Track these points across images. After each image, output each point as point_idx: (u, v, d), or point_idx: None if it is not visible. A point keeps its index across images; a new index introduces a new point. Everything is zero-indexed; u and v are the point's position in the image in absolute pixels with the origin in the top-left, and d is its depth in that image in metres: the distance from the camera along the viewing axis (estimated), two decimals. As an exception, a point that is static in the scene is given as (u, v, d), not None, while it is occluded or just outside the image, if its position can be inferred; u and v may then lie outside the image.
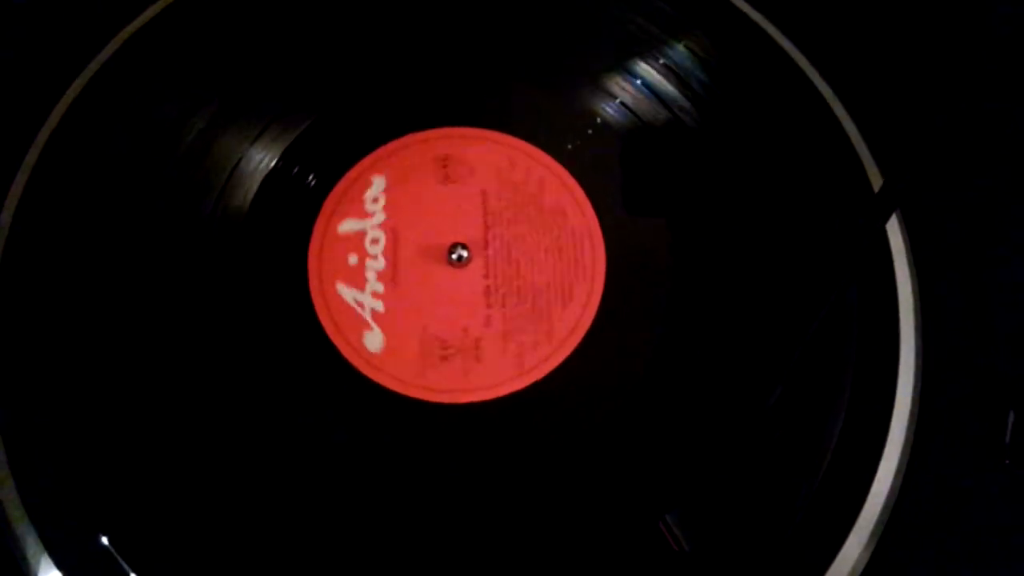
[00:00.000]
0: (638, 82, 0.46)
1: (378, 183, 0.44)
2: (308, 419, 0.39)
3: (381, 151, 0.44)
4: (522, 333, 0.42)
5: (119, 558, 0.35)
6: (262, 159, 0.44)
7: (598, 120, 0.46)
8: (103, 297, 0.40)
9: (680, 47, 0.47)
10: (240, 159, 0.44)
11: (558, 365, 0.41)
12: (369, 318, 0.41)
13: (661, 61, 0.47)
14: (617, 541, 0.37)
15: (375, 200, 0.43)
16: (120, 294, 0.40)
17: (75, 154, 0.43)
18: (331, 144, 0.45)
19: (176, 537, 0.36)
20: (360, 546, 0.37)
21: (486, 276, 0.42)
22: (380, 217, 0.43)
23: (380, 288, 0.42)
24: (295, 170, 0.44)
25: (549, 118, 0.46)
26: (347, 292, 0.41)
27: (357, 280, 0.42)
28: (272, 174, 0.44)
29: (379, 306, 0.41)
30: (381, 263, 0.42)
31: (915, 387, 0.38)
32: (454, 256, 0.42)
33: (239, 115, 0.45)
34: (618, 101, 0.46)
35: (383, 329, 0.41)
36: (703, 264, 0.43)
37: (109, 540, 0.36)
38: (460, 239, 0.42)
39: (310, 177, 0.44)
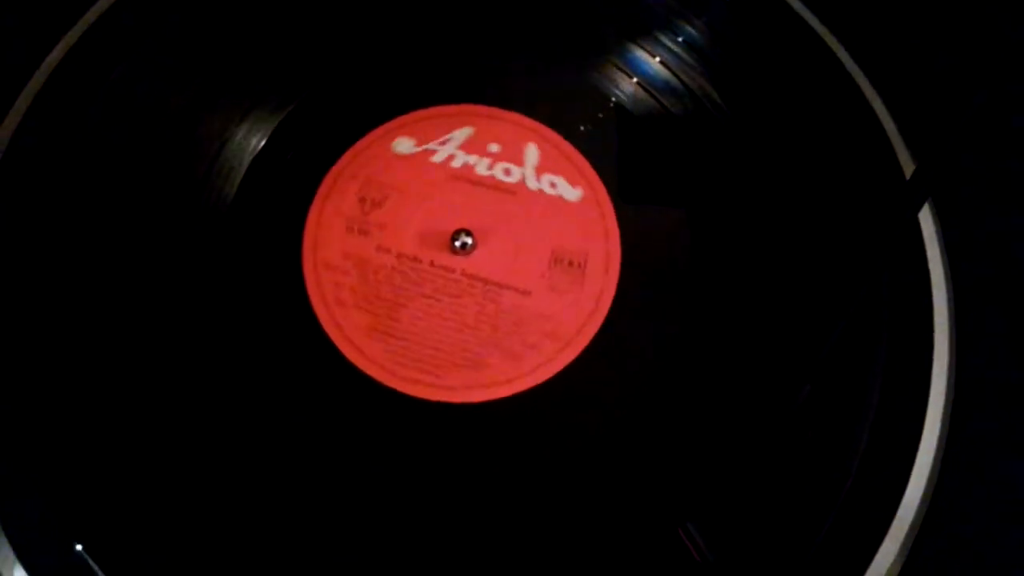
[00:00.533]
0: (656, 60, 0.44)
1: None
2: (300, 415, 0.37)
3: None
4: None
5: (95, 566, 0.33)
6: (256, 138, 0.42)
7: (612, 101, 0.44)
8: (81, 288, 0.37)
9: (700, 24, 0.45)
10: (228, 139, 0.41)
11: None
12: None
13: (680, 38, 0.45)
14: (635, 550, 0.34)
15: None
16: (97, 285, 0.38)
17: (48, 137, 0.40)
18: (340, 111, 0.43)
19: (154, 543, 0.34)
20: (342, 547, 0.35)
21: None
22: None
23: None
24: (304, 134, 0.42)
25: (563, 99, 0.44)
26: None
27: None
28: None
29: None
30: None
31: (949, 383, 0.36)
32: (457, 243, 0.39)
33: (224, 92, 0.42)
34: (634, 80, 0.44)
35: None
36: (724, 256, 0.41)
37: (84, 547, 0.33)
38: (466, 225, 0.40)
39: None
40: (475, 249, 0.40)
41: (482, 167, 0.42)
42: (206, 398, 0.36)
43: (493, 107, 0.43)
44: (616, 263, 0.40)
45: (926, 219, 0.39)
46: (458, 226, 0.40)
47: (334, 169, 0.41)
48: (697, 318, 0.39)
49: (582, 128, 0.43)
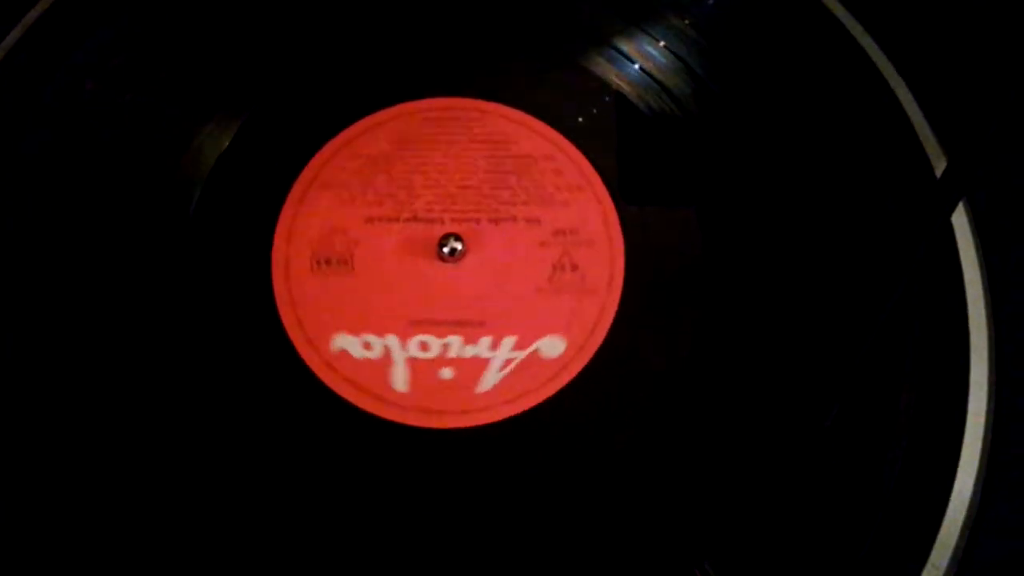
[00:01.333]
0: (661, 44, 0.41)
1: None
2: (281, 450, 0.34)
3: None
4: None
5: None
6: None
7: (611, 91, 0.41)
8: (35, 294, 0.35)
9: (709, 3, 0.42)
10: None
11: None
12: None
13: (687, 21, 0.41)
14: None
15: None
16: (50, 292, 0.35)
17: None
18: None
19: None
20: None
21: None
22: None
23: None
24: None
25: (554, 89, 0.41)
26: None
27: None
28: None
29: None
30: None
31: (989, 397, 0.33)
32: (445, 250, 0.36)
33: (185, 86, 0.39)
34: (637, 66, 0.41)
35: None
36: (738, 260, 0.37)
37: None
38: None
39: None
40: (465, 256, 0.37)
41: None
42: (172, 426, 0.33)
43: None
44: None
45: (960, 221, 0.36)
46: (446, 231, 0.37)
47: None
48: (711, 328, 0.36)
49: (580, 119, 0.40)
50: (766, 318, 0.36)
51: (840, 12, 0.41)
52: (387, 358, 0.35)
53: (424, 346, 0.35)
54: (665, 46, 0.41)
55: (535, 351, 0.35)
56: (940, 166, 0.37)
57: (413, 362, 0.35)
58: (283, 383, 0.34)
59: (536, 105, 0.40)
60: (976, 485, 0.32)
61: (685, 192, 0.38)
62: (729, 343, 0.36)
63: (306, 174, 0.38)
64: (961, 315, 0.34)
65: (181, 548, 0.31)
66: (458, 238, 0.36)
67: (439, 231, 0.37)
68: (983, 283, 0.35)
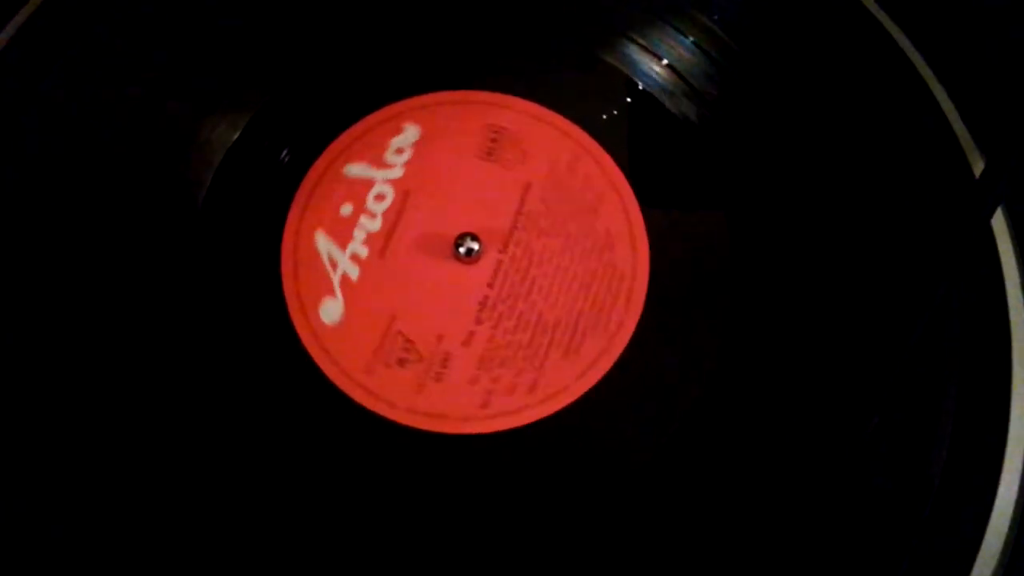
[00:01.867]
0: (689, 41, 0.38)
1: (410, 133, 0.36)
2: (298, 466, 0.31)
3: (422, 99, 0.37)
4: (502, 367, 0.32)
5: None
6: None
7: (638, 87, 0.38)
8: (39, 290, 0.33)
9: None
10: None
11: (530, 423, 0.32)
12: (336, 282, 0.33)
13: (716, 16, 0.38)
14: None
15: (399, 151, 0.36)
16: (54, 289, 0.33)
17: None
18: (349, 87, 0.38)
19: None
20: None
21: (490, 284, 0.33)
22: (397, 172, 0.35)
23: (363, 252, 0.34)
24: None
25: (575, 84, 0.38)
26: (324, 244, 0.34)
27: (341, 234, 0.34)
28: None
29: (354, 272, 0.34)
30: (377, 224, 0.34)
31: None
32: (461, 249, 0.33)
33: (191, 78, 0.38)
34: (664, 62, 0.38)
35: (346, 301, 0.33)
36: (769, 265, 0.34)
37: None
38: (474, 229, 0.34)
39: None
40: (482, 256, 0.34)
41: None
42: (180, 441, 0.31)
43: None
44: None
45: (1000, 225, 0.33)
46: (467, 228, 0.34)
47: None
48: (742, 336, 0.33)
49: (605, 116, 0.36)
50: (799, 325, 0.33)
51: (875, 9, 0.37)
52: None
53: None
54: (694, 42, 0.38)
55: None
56: (979, 167, 0.34)
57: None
58: (293, 383, 0.32)
59: (558, 101, 0.37)
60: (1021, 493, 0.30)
61: (712, 195, 0.35)
62: (760, 350, 0.33)
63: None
64: (1003, 320, 0.32)
65: (186, 548, 0.30)
66: (475, 237, 0.34)
67: (455, 230, 0.34)
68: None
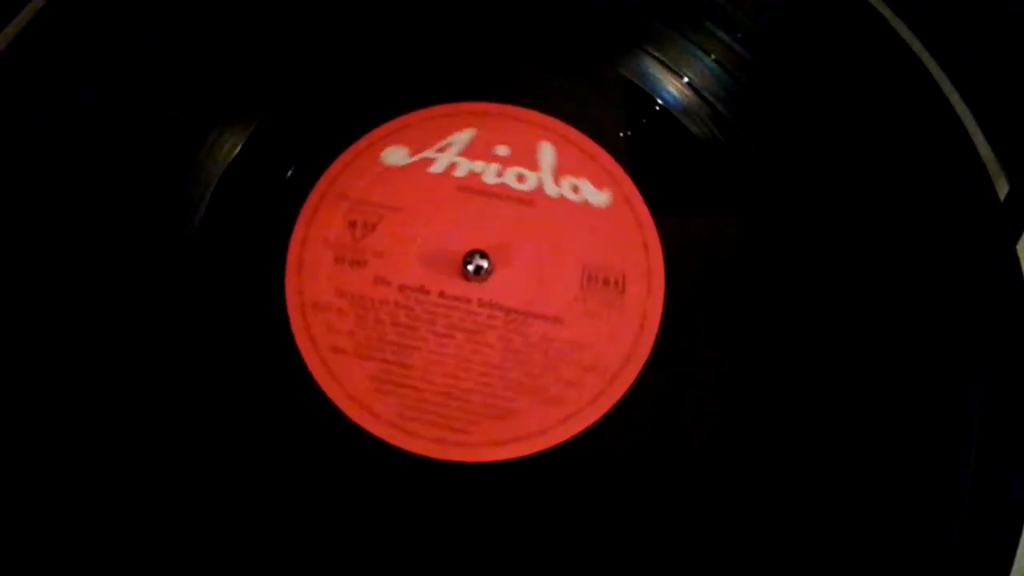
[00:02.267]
0: (710, 58, 0.39)
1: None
2: (301, 491, 0.32)
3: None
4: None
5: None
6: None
7: (657, 105, 0.38)
8: (34, 304, 0.32)
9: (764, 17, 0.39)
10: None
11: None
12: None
13: (739, 35, 0.39)
14: None
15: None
16: (48, 303, 0.32)
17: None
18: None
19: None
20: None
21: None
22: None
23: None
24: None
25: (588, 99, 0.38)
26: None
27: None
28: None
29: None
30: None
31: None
32: (470, 267, 0.34)
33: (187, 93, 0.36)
34: (684, 80, 0.39)
35: None
36: (786, 279, 0.35)
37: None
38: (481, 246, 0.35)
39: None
40: (492, 273, 0.34)
41: (490, 175, 0.36)
42: (181, 474, 0.31)
43: (498, 104, 0.38)
44: (660, 278, 0.35)
45: None
46: (470, 247, 0.34)
47: (317, 188, 0.35)
48: (762, 344, 0.34)
49: (621, 135, 0.37)
50: (818, 347, 0.34)
51: (899, 26, 0.38)
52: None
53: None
54: (715, 60, 0.39)
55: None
56: (1003, 190, 0.35)
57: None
58: (294, 406, 0.32)
59: (572, 114, 0.38)
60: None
61: (728, 206, 0.36)
62: (777, 372, 0.33)
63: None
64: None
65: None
66: (484, 255, 0.34)
67: (463, 246, 0.34)
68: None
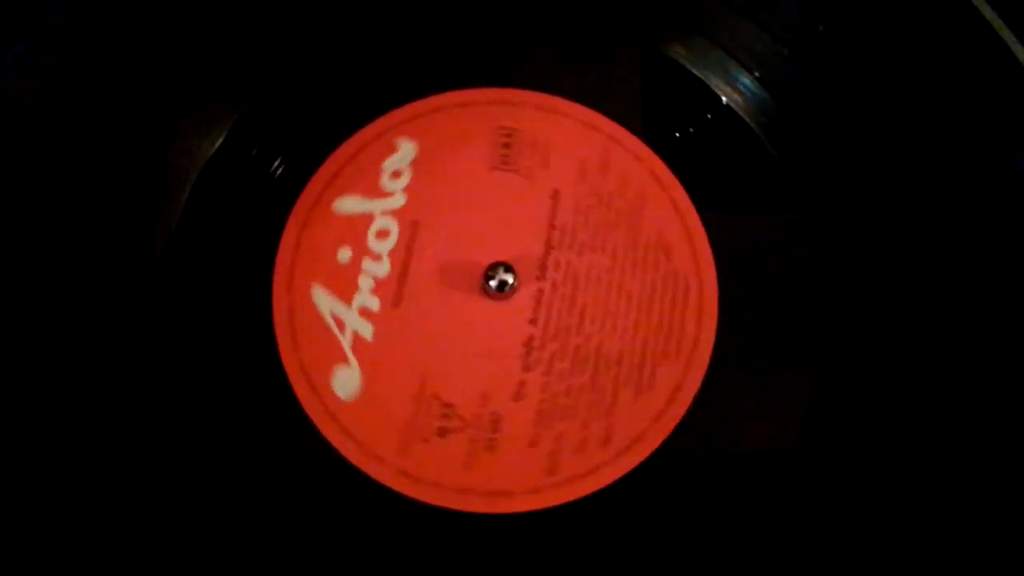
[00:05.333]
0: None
1: (406, 151, 0.29)
2: (237, 486, 0.26)
3: (415, 107, 0.30)
4: (565, 420, 0.27)
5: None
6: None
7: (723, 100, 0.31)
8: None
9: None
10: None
11: (608, 485, 0.27)
12: (347, 346, 0.27)
13: (821, 27, 0.32)
14: None
15: (396, 175, 0.29)
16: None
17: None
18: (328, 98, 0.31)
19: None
20: None
21: (533, 320, 0.28)
22: (399, 201, 0.29)
23: (374, 305, 0.28)
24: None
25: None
26: (325, 301, 0.28)
27: (343, 286, 0.28)
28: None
29: (366, 331, 0.28)
30: (384, 268, 0.28)
31: None
32: (492, 283, 0.28)
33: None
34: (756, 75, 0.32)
35: (363, 367, 0.27)
36: (857, 298, 0.29)
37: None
38: (504, 257, 0.28)
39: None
40: (514, 294, 0.28)
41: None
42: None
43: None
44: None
45: None
46: (496, 257, 0.28)
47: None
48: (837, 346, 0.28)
49: (678, 135, 0.31)
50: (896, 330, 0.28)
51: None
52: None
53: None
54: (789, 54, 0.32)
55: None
56: None
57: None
58: (310, 474, 0.27)
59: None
60: None
61: (785, 198, 0.30)
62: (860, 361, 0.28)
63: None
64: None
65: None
66: (508, 268, 0.28)
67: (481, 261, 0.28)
68: None
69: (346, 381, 0.27)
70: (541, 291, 0.28)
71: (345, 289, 0.28)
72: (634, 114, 0.30)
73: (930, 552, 0.26)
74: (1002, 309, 0.28)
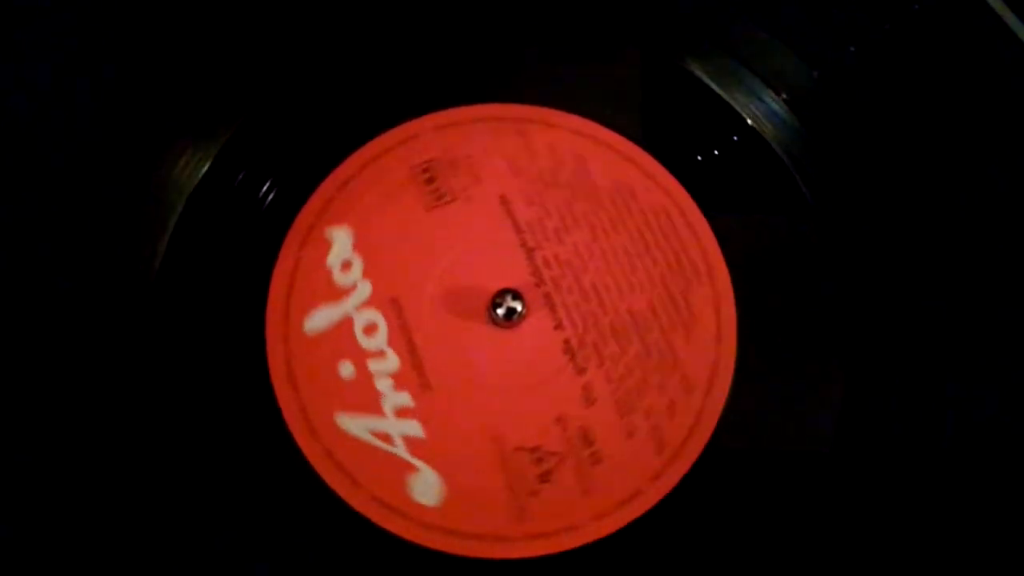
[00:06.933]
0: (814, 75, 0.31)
1: (340, 239, 0.27)
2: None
3: (326, 185, 0.27)
4: (644, 395, 0.25)
5: None
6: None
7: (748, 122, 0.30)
8: None
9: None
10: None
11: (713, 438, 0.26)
12: (406, 454, 0.24)
13: (852, 49, 0.31)
14: None
15: (346, 266, 0.26)
16: None
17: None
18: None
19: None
20: None
21: (559, 326, 0.26)
22: (364, 291, 0.26)
23: (406, 400, 0.25)
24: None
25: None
26: (356, 424, 0.25)
27: (365, 400, 0.25)
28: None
29: (414, 429, 0.25)
30: (393, 360, 0.25)
31: None
32: (499, 312, 0.26)
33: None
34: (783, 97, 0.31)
35: (436, 465, 0.24)
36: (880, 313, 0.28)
37: None
38: (495, 285, 0.26)
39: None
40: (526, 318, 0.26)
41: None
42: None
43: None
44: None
45: None
46: (495, 286, 0.26)
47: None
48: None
49: (699, 158, 0.29)
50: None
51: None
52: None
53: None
54: (819, 76, 0.31)
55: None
56: None
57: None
58: (277, 476, 0.25)
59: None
60: None
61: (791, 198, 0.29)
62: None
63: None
64: None
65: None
66: (516, 296, 0.26)
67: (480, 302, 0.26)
68: None
69: (426, 487, 0.24)
70: (548, 295, 0.27)
71: (368, 402, 0.25)
72: (632, 120, 0.29)
73: (963, 550, 0.26)
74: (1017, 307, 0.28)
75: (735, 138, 0.29)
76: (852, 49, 0.31)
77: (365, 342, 0.25)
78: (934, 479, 0.26)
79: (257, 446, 0.25)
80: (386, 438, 0.24)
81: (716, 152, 0.29)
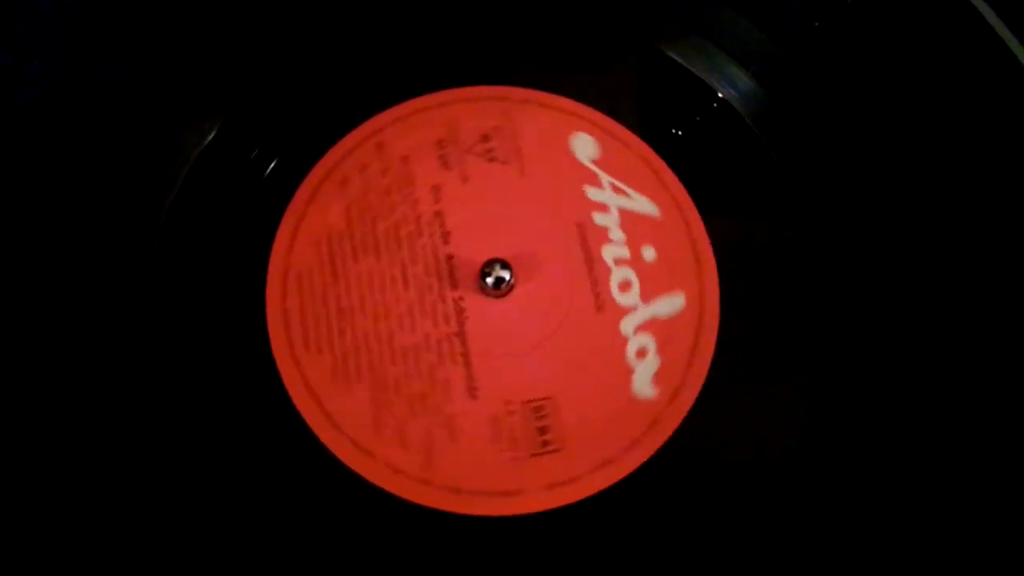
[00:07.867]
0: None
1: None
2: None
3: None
4: None
5: None
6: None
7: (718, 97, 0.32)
8: None
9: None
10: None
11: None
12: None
13: (817, 23, 0.33)
14: None
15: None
16: None
17: None
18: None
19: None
20: None
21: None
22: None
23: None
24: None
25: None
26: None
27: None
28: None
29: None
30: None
31: None
32: (489, 279, 0.28)
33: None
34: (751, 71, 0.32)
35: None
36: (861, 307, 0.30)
37: None
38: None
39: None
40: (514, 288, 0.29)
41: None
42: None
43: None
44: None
45: None
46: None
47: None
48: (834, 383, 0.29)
49: (675, 131, 0.31)
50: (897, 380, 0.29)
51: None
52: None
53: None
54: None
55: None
56: None
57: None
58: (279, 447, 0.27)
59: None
60: None
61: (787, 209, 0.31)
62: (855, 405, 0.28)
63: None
64: None
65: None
66: (505, 265, 0.28)
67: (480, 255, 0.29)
68: None
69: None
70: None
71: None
72: (630, 113, 0.31)
73: (929, 556, 0.26)
74: (1001, 310, 0.29)
75: (698, 119, 0.32)
76: (816, 24, 0.33)
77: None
78: (899, 491, 0.27)
79: (259, 415, 0.27)
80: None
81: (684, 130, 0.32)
